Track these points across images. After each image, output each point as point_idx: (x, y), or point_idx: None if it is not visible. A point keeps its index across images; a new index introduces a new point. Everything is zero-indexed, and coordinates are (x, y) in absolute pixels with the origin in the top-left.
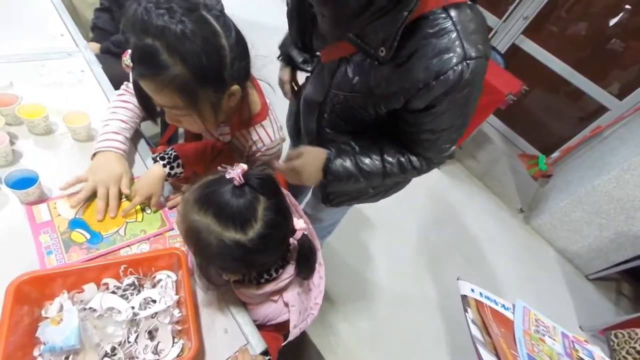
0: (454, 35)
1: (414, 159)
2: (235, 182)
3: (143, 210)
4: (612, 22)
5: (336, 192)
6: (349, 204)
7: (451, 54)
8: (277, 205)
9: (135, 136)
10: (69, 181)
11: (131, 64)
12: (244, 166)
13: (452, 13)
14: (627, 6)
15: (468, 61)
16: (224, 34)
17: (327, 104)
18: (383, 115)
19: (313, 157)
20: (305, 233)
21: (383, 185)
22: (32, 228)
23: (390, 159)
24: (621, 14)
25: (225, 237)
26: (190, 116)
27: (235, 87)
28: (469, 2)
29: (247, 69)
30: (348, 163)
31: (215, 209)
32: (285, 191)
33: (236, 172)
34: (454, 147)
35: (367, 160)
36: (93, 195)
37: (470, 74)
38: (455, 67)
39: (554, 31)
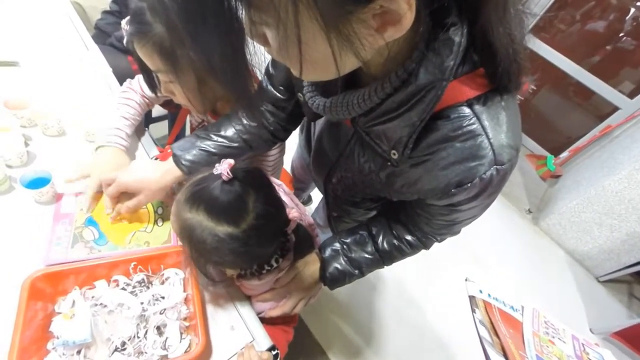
0: (481, 138)
1: (411, 239)
2: (224, 177)
3: (156, 222)
4: (622, 19)
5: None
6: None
7: (477, 162)
8: (267, 197)
9: (140, 134)
10: (71, 177)
11: (127, 27)
12: (231, 161)
13: (478, 110)
14: (639, 3)
15: (498, 167)
16: None
17: (337, 171)
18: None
19: (306, 275)
20: (299, 222)
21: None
22: (55, 216)
23: (385, 247)
24: (631, 11)
25: (218, 232)
26: (174, 84)
27: None
28: (500, 90)
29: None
30: (342, 266)
31: (206, 205)
32: (278, 181)
33: (223, 167)
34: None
35: (360, 257)
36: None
37: (500, 178)
38: (483, 176)
39: (562, 29)
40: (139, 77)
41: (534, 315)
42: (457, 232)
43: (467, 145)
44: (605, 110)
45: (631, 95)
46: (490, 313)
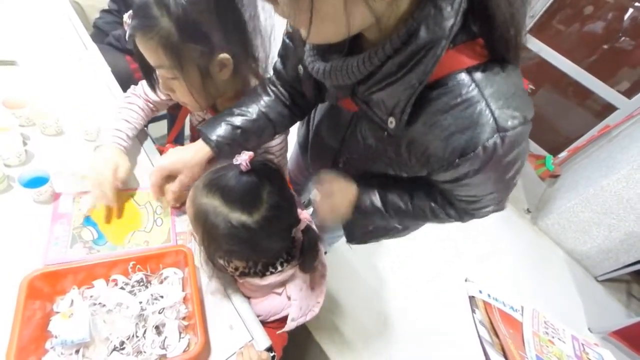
0: (481, 106)
1: (450, 210)
2: (243, 168)
3: (155, 221)
4: (621, 19)
5: (362, 231)
6: (377, 240)
7: (479, 130)
8: (281, 191)
9: (142, 137)
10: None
11: (129, 21)
12: (251, 153)
13: (477, 77)
14: (637, 4)
15: (502, 134)
16: None
17: (343, 155)
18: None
19: (345, 187)
20: (309, 224)
21: (417, 225)
22: (53, 216)
23: (420, 203)
24: (630, 11)
25: (232, 218)
26: (179, 80)
27: (225, 56)
28: (499, 60)
29: (244, 43)
30: (376, 201)
31: (222, 191)
32: None
33: (243, 158)
34: (501, 205)
35: (395, 199)
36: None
37: (507, 147)
38: (486, 144)
39: (561, 29)
40: (143, 83)
41: (534, 316)
42: (495, 208)
43: (467, 113)
44: (604, 110)
45: (629, 96)
46: (490, 313)
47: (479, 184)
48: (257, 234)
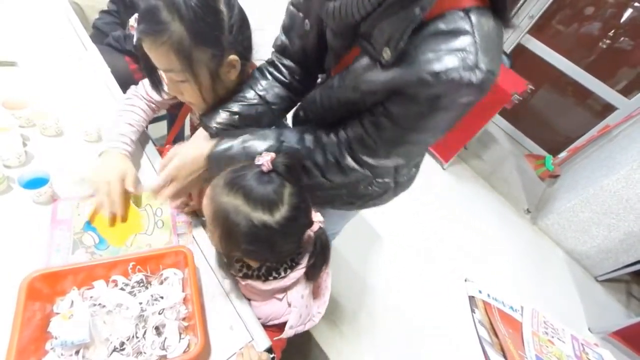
0: (470, 39)
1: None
2: (264, 169)
3: (156, 224)
4: (620, 19)
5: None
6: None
7: (461, 57)
8: (300, 192)
9: (143, 139)
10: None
11: (136, 25)
12: (272, 154)
13: (474, 17)
14: (637, 4)
15: (476, 70)
16: (224, 0)
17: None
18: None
19: (189, 146)
20: (322, 226)
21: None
22: (52, 222)
23: (293, 137)
24: (630, 12)
25: (253, 218)
26: (189, 83)
27: (234, 57)
28: (493, 12)
29: (248, 43)
30: (235, 143)
31: (244, 191)
32: None
33: (265, 159)
34: (408, 172)
35: (257, 143)
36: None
37: (474, 87)
38: (462, 72)
39: (560, 30)
40: (144, 82)
41: (533, 315)
42: (404, 155)
43: (456, 41)
44: (603, 110)
45: (629, 96)
46: (490, 313)
47: (419, 119)
48: (277, 234)
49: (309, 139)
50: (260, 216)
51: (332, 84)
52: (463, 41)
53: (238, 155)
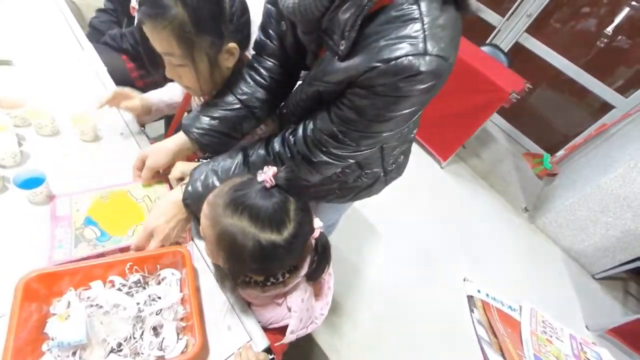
0: (417, 25)
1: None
2: (267, 185)
3: None
4: (618, 18)
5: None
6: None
7: (408, 42)
8: (304, 205)
9: (140, 138)
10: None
11: (137, 7)
12: (274, 168)
13: (422, 5)
14: (634, 2)
15: (426, 56)
16: None
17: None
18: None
19: (163, 203)
20: (322, 231)
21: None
22: (52, 220)
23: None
24: (627, 10)
25: (262, 239)
26: (187, 67)
27: (233, 45)
28: (447, 2)
29: (248, 32)
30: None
31: (250, 211)
32: None
33: (267, 174)
34: (351, 157)
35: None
36: (101, 199)
37: (425, 72)
38: (410, 57)
39: (558, 29)
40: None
41: (532, 315)
42: (360, 146)
43: (404, 28)
44: (601, 108)
45: (626, 94)
46: (489, 313)
47: (381, 109)
48: (285, 251)
49: (276, 142)
50: (268, 237)
51: (305, 79)
52: (412, 28)
53: (212, 182)
